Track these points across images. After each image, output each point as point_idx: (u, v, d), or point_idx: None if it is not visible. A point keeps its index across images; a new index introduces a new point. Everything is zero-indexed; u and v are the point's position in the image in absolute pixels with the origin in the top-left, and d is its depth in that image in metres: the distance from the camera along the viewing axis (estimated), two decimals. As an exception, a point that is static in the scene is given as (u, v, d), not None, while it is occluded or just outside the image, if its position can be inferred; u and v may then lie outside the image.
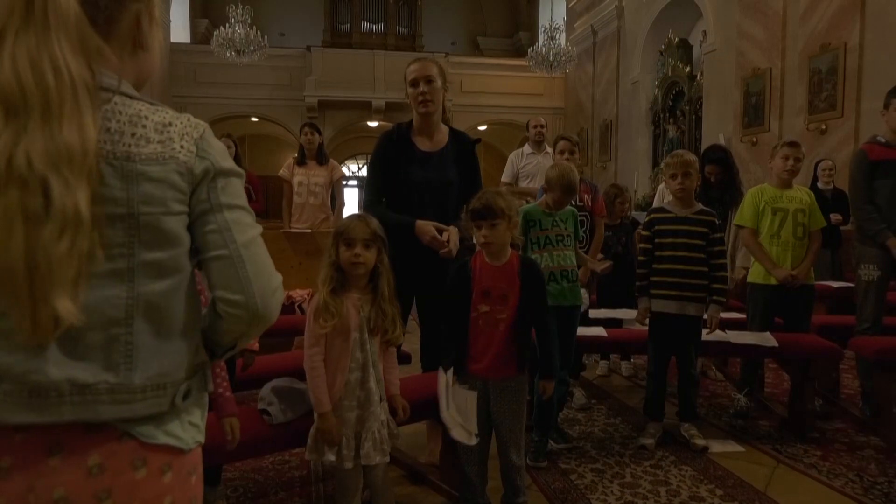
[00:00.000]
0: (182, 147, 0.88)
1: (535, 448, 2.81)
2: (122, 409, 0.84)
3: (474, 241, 2.31)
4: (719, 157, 3.98)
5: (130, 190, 0.83)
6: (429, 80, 2.61)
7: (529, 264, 2.28)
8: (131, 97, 0.88)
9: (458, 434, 2.13)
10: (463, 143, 2.77)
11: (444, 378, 2.16)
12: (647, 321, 3.14)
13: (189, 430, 0.93)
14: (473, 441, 2.13)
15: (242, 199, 0.94)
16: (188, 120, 0.92)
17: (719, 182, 3.95)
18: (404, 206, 2.62)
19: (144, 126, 0.86)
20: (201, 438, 0.96)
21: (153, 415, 0.87)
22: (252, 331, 0.95)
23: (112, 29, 0.89)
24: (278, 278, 0.95)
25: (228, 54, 11.39)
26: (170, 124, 0.88)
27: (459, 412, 2.13)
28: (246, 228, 0.92)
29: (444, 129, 2.76)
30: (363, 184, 2.92)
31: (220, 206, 0.90)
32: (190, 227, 0.90)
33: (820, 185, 5.54)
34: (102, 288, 0.83)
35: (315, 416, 1.98)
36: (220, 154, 0.92)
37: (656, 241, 3.09)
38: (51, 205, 0.74)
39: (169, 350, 0.89)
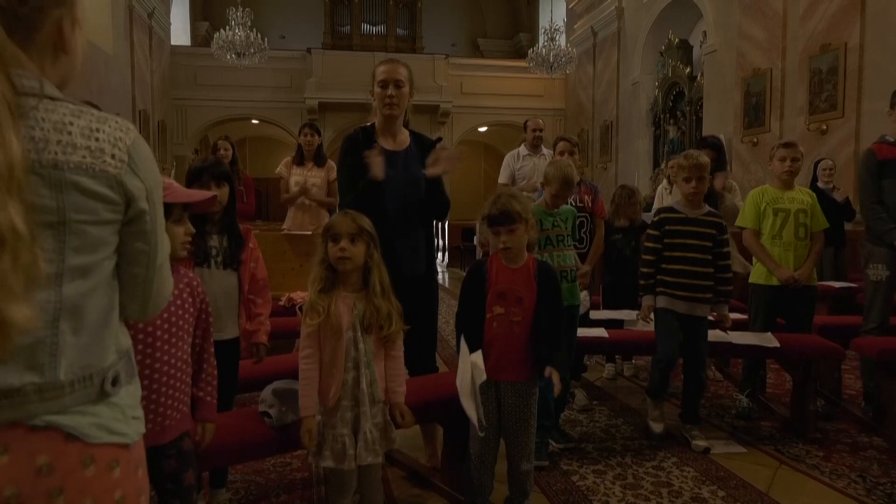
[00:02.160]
0: (113, 157, 0.88)
1: (535, 447, 2.80)
2: (52, 404, 0.86)
3: (493, 246, 2.26)
4: (714, 143, 4.17)
5: (59, 199, 0.83)
6: (398, 85, 2.62)
7: (546, 268, 2.27)
8: (54, 99, 0.86)
9: (474, 419, 2.08)
10: (425, 144, 2.79)
11: (470, 359, 2.08)
12: (650, 319, 3.13)
13: (133, 424, 0.96)
14: (481, 433, 2.11)
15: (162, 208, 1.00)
16: (116, 123, 0.91)
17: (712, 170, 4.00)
18: (373, 206, 2.55)
19: (70, 132, 0.85)
20: (143, 429, 0.99)
21: (87, 410, 0.89)
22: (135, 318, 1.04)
23: (32, 37, 0.87)
24: (171, 285, 1.05)
25: (229, 57, 11.40)
26: (97, 129, 0.87)
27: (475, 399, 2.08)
28: (164, 247, 0.99)
29: (406, 130, 2.78)
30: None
31: (155, 228, 0.95)
32: (121, 231, 0.92)
33: (820, 184, 5.53)
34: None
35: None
36: (150, 164, 0.94)
37: (665, 241, 3.08)
38: None
39: (91, 343, 0.90)
